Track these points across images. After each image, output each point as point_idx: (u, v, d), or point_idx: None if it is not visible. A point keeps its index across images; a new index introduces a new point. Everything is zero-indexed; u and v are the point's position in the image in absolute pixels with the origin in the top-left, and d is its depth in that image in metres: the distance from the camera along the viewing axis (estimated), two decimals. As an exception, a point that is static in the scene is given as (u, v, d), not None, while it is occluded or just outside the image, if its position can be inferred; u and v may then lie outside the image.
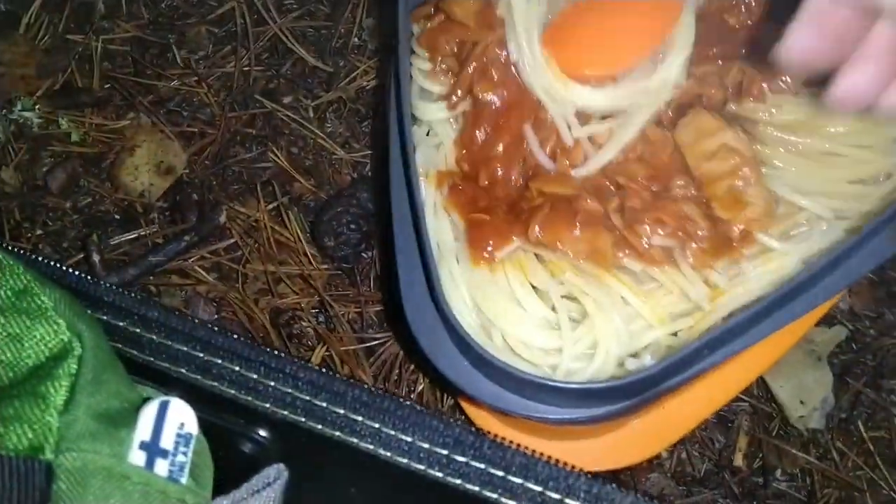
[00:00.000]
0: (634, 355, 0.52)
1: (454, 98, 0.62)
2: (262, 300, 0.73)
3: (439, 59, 0.66)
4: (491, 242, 0.57)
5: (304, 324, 0.72)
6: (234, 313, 0.73)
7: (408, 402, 0.41)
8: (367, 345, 0.72)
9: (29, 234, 0.76)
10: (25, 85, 0.83)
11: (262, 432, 0.44)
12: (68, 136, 0.81)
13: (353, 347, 0.71)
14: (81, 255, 0.74)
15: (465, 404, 0.66)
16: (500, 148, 0.62)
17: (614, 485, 0.39)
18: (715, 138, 0.55)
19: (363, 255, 0.75)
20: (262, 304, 0.73)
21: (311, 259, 0.75)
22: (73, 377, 0.34)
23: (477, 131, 0.63)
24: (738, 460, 0.65)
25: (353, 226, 0.73)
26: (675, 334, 0.52)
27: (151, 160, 0.79)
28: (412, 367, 0.71)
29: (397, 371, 0.71)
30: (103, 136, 0.81)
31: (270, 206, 0.77)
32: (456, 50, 0.65)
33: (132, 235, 0.76)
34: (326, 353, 0.71)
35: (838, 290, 0.56)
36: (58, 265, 0.45)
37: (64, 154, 0.80)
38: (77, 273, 0.44)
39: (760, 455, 0.66)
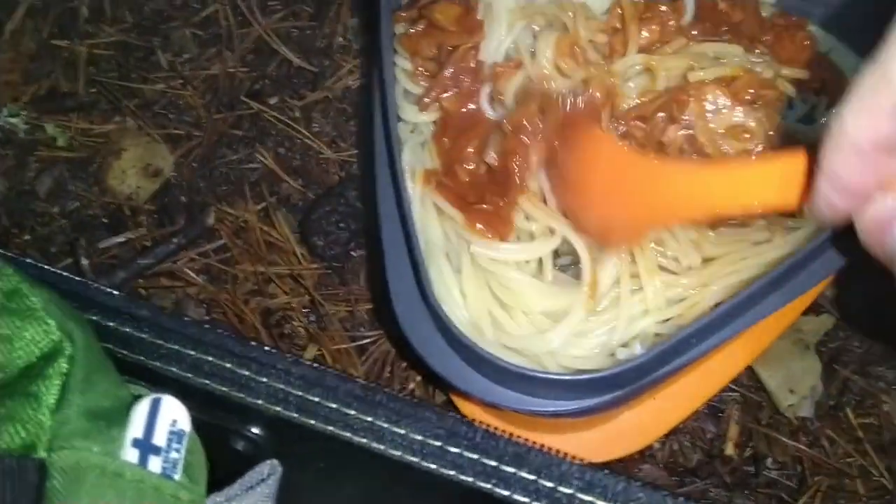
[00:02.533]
0: (624, 345, 0.52)
1: (425, 100, 0.62)
2: (253, 301, 0.74)
3: (420, 61, 0.66)
4: (492, 226, 0.58)
5: (295, 323, 0.72)
6: (224, 314, 0.73)
7: (400, 395, 0.41)
8: (359, 343, 0.72)
9: (17, 240, 0.75)
10: (11, 91, 0.82)
11: (255, 429, 0.44)
12: (55, 141, 0.81)
13: (344, 346, 0.71)
14: (70, 260, 0.74)
15: (456, 400, 0.66)
16: (471, 149, 0.62)
17: (606, 471, 0.39)
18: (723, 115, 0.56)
19: (352, 253, 0.75)
20: (253, 305, 0.73)
21: (300, 259, 0.75)
22: (64, 376, 0.35)
23: (444, 138, 0.63)
24: (730, 450, 0.66)
25: (341, 224, 0.73)
26: (665, 321, 0.53)
27: (138, 163, 0.79)
28: (404, 364, 0.71)
29: (389, 369, 0.71)
30: (90, 141, 0.81)
31: (259, 207, 0.77)
32: (436, 53, 0.66)
33: (121, 239, 0.76)
34: (318, 353, 0.71)
35: (825, 277, 0.57)
36: (47, 267, 0.45)
37: (51, 159, 0.80)
38: (66, 275, 0.44)
39: (751, 444, 0.66)
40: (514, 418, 0.60)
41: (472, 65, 0.63)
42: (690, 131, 0.58)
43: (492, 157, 0.59)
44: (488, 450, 0.40)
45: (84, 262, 0.72)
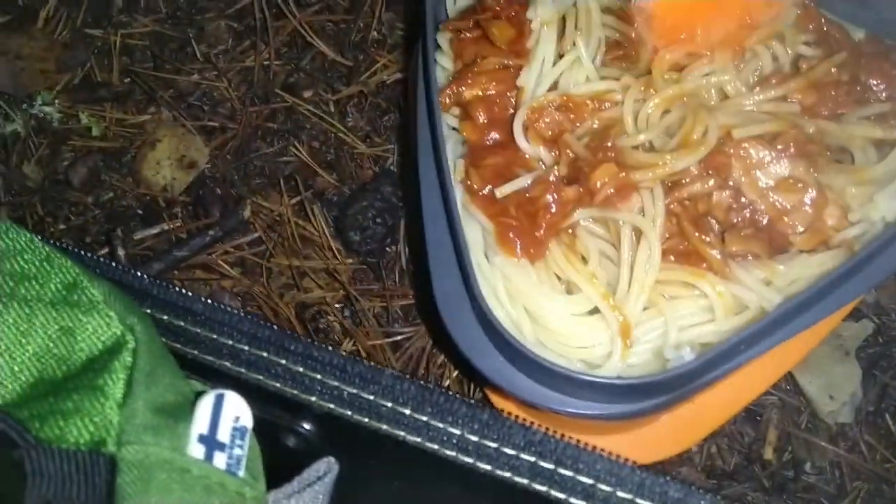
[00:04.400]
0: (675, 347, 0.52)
1: (447, 92, 0.62)
2: (287, 295, 0.73)
3: (460, 64, 0.66)
4: (521, 243, 0.58)
5: (330, 318, 0.72)
6: (259, 308, 0.73)
7: (456, 396, 0.41)
8: (394, 339, 0.72)
9: (52, 229, 0.75)
10: (45, 79, 0.82)
11: (307, 425, 0.44)
12: (89, 131, 0.80)
13: (379, 342, 0.71)
14: (106, 250, 0.73)
15: (493, 398, 0.66)
16: (493, 161, 0.62)
17: (665, 477, 0.39)
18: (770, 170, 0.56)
19: (388, 249, 0.75)
20: (288, 299, 0.73)
21: (335, 253, 0.75)
22: (129, 370, 0.34)
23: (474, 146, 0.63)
24: (768, 454, 0.65)
25: (378, 220, 0.73)
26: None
27: (173, 155, 0.78)
28: (439, 361, 0.71)
29: (424, 365, 0.71)
30: (124, 131, 0.80)
31: (294, 201, 0.77)
32: (474, 60, 0.66)
33: (155, 230, 0.76)
34: (353, 348, 0.70)
35: (873, 285, 0.56)
36: (100, 259, 0.45)
37: (84, 149, 0.80)
38: (119, 266, 0.44)
39: (790, 448, 0.66)
40: (551, 418, 0.60)
41: (509, 92, 0.63)
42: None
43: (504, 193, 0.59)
44: (546, 453, 0.40)
45: (120, 252, 0.72)
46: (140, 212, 0.77)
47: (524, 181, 0.58)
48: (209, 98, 0.82)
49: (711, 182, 0.57)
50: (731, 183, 0.57)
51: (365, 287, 0.74)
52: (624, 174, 0.58)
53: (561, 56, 0.63)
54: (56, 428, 0.32)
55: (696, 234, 0.56)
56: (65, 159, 0.79)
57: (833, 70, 0.59)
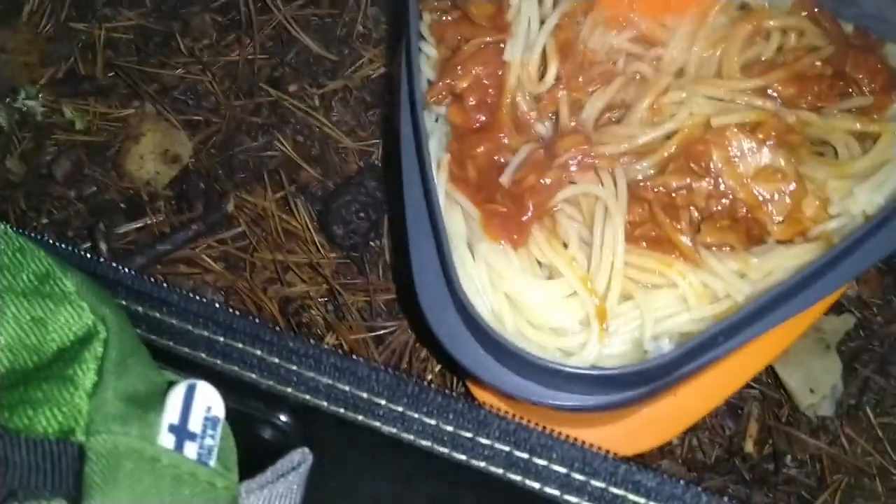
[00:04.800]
0: (653, 338, 0.52)
1: (438, 86, 0.62)
2: (271, 289, 0.73)
3: (443, 50, 0.66)
4: (506, 229, 0.58)
5: (313, 312, 0.72)
6: (242, 302, 0.72)
7: (431, 386, 0.41)
8: (377, 333, 0.72)
9: (34, 223, 0.75)
10: (29, 73, 0.82)
11: (283, 417, 0.44)
12: (72, 125, 0.80)
13: (362, 336, 0.71)
14: (88, 244, 0.73)
15: (474, 389, 0.66)
16: (481, 148, 0.62)
17: (639, 466, 0.39)
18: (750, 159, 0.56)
19: (371, 243, 0.75)
20: (271, 293, 0.73)
21: (319, 248, 0.74)
22: (99, 360, 0.34)
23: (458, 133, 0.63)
24: (749, 447, 0.65)
25: (361, 214, 0.73)
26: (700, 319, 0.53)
27: (157, 149, 0.78)
28: (422, 355, 0.71)
29: (407, 359, 0.71)
30: (108, 125, 0.80)
31: (278, 195, 0.77)
32: (459, 42, 0.66)
33: (139, 224, 0.76)
34: (336, 342, 0.70)
35: (851, 278, 0.56)
36: (75, 250, 0.45)
37: (68, 143, 0.80)
38: (95, 258, 0.44)
39: (770, 441, 0.66)
40: (532, 409, 0.60)
41: (499, 70, 0.63)
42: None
43: (509, 179, 0.59)
44: (520, 442, 0.40)
45: (102, 246, 0.72)
46: (123, 206, 0.77)
47: (520, 157, 0.58)
48: (193, 92, 0.82)
49: (688, 180, 0.57)
50: (710, 171, 0.58)
51: (348, 281, 0.74)
52: (587, 146, 0.58)
53: (542, 22, 0.64)
54: (25, 417, 0.32)
55: (668, 220, 0.56)
56: (48, 153, 0.79)
57: (818, 63, 0.59)
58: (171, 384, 0.36)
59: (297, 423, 0.44)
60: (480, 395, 0.65)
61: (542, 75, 0.63)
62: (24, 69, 0.82)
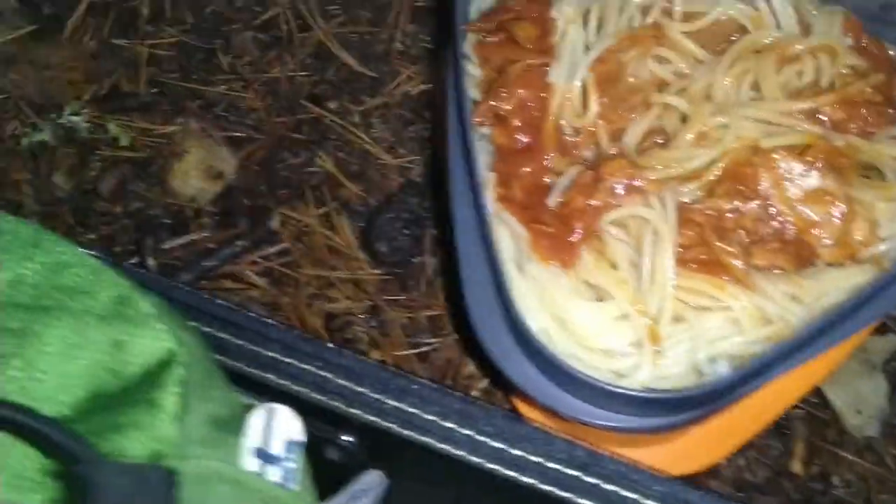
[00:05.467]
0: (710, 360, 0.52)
1: (481, 108, 0.63)
2: (315, 305, 0.74)
3: (487, 70, 0.67)
4: (555, 249, 0.58)
5: (357, 328, 0.73)
6: (287, 318, 0.73)
7: (500, 410, 0.41)
8: (421, 350, 0.72)
9: (82, 238, 0.76)
10: (73, 90, 0.83)
11: (348, 438, 0.44)
12: (117, 141, 0.81)
13: (406, 352, 0.72)
14: (136, 259, 0.74)
15: (523, 410, 0.66)
16: (528, 168, 0.63)
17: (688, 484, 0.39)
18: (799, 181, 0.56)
19: (414, 260, 0.75)
20: (315, 309, 0.73)
21: (362, 264, 0.75)
22: (182, 384, 0.35)
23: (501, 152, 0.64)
24: (796, 467, 0.65)
25: (406, 231, 0.74)
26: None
27: (201, 165, 0.79)
28: (466, 372, 0.71)
29: (451, 376, 0.71)
30: (152, 141, 0.81)
31: (320, 211, 0.77)
32: (502, 66, 0.66)
33: (183, 240, 0.76)
34: (380, 358, 0.71)
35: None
36: (140, 269, 0.45)
37: (113, 159, 0.80)
38: (164, 279, 0.45)
39: (817, 462, 0.66)
40: (579, 428, 0.60)
41: (542, 93, 0.64)
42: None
43: (556, 200, 0.60)
44: (588, 467, 0.40)
45: (150, 261, 0.72)
46: (167, 221, 0.78)
47: (567, 179, 0.59)
48: (236, 109, 0.83)
49: (737, 203, 0.58)
50: (758, 194, 0.58)
51: (391, 297, 0.74)
52: (634, 170, 0.58)
53: (588, 48, 0.64)
54: (115, 442, 0.32)
55: (719, 243, 0.56)
56: (93, 169, 0.80)
57: (868, 89, 0.59)
58: (251, 408, 0.37)
59: (364, 443, 0.44)
60: (528, 413, 0.65)
61: (583, 105, 0.63)
62: (69, 86, 0.83)
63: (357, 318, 0.73)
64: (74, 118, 0.82)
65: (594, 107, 0.63)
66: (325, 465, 0.44)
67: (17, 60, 0.83)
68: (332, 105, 0.83)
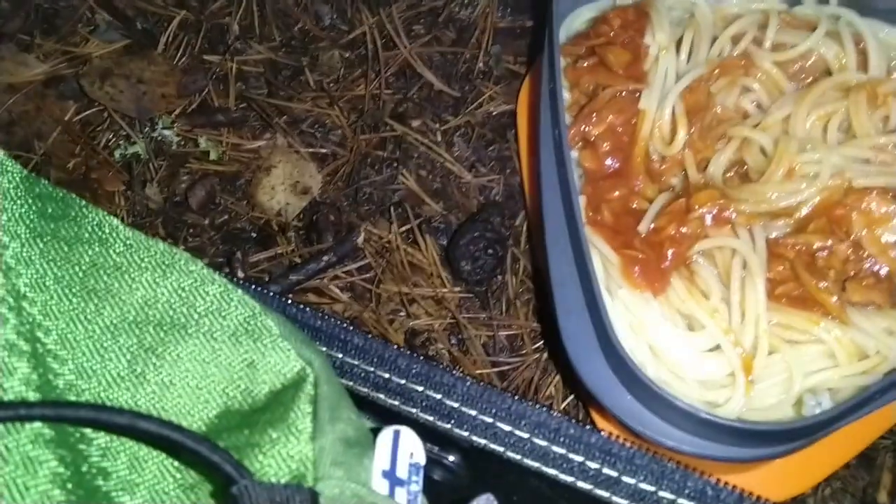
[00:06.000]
0: (810, 393, 0.52)
1: (570, 133, 0.64)
2: (397, 321, 0.75)
3: (577, 94, 0.68)
4: (646, 276, 0.58)
5: (438, 345, 0.74)
6: (369, 333, 0.74)
7: (615, 439, 0.42)
8: (500, 368, 0.73)
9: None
10: (165, 104, 0.85)
11: (452, 457, 0.45)
12: (206, 155, 0.83)
13: (486, 371, 0.72)
14: (226, 271, 0.76)
15: (600, 424, 0.66)
16: (616, 194, 0.64)
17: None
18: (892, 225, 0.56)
19: (495, 278, 0.76)
20: (397, 325, 0.75)
21: (444, 281, 0.76)
22: (313, 404, 0.36)
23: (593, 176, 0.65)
24: (883, 497, 0.65)
25: (489, 251, 0.74)
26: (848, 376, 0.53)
27: (287, 180, 0.81)
28: (546, 392, 0.72)
29: (532, 395, 0.71)
30: (240, 156, 0.83)
31: (403, 229, 0.79)
32: (593, 90, 0.67)
33: (269, 253, 0.78)
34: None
35: None
36: (263, 290, 0.47)
37: (201, 172, 0.83)
38: (284, 299, 0.46)
39: (904, 495, 0.65)
40: (668, 453, 0.60)
41: (632, 119, 0.65)
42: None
43: (648, 227, 0.60)
44: (683, 490, 0.41)
45: (240, 274, 0.74)
46: (254, 235, 0.79)
47: (658, 206, 0.59)
48: (321, 125, 0.85)
49: (830, 241, 0.57)
50: (850, 236, 0.58)
51: (472, 315, 0.75)
52: (724, 201, 0.59)
53: (679, 76, 0.65)
54: (256, 461, 0.33)
55: (813, 281, 0.56)
56: (183, 182, 0.82)
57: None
58: (377, 430, 0.38)
59: (468, 464, 0.45)
60: (605, 428, 0.66)
61: (672, 134, 0.64)
62: (161, 100, 0.85)
63: (438, 334, 0.74)
64: (166, 132, 0.84)
65: (682, 135, 0.63)
66: (432, 485, 0.45)
67: (111, 74, 0.86)
68: (415, 123, 0.84)
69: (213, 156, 0.83)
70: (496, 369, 0.73)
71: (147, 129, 0.84)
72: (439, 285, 0.76)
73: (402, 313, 0.76)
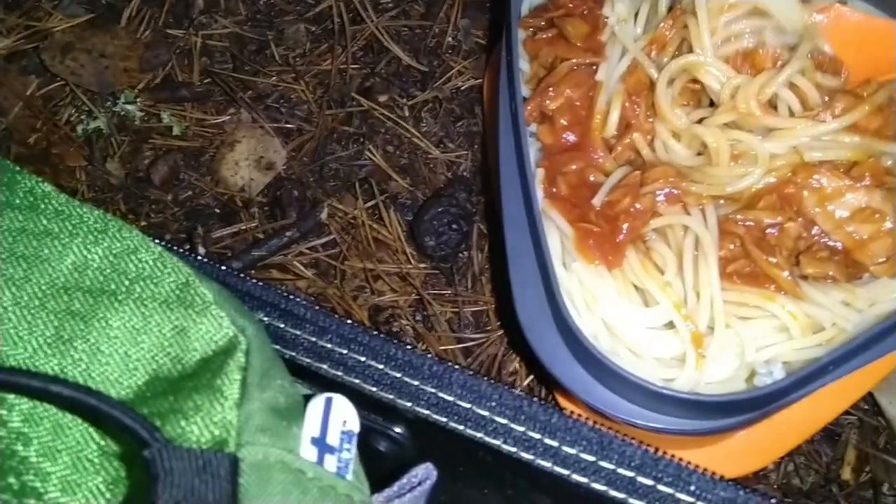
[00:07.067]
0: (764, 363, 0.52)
1: (528, 107, 0.63)
2: (361, 297, 0.74)
3: (536, 66, 0.67)
4: (601, 249, 0.58)
5: (403, 322, 0.73)
6: (333, 309, 0.73)
7: (554, 408, 0.41)
8: (465, 345, 0.72)
9: (133, 225, 0.76)
10: (128, 78, 0.84)
11: (399, 429, 0.44)
12: (169, 130, 0.82)
13: (450, 347, 0.72)
14: (186, 247, 0.75)
15: (566, 406, 0.66)
16: (573, 167, 0.63)
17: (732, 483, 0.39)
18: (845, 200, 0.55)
19: (461, 255, 0.75)
20: (361, 301, 0.74)
21: (409, 257, 0.75)
22: (243, 371, 0.35)
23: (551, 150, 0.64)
24: (846, 474, 0.64)
25: (454, 226, 0.74)
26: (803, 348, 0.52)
27: (251, 155, 0.80)
28: (511, 368, 0.71)
29: (496, 371, 0.71)
30: (204, 131, 0.82)
31: (368, 205, 0.78)
32: (552, 62, 0.66)
33: (233, 229, 0.77)
34: (425, 352, 0.71)
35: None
36: (205, 259, 0.46)
37: (164, 147, 0.82)
38: (221, 266, 0.45)
39: (868, 469, 0.65)
40: (625, 429, 0.60)
41: (590, 92, 0.63)
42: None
43: (602, 200, 0.59)
44: (644, 468, 0.40)
45: (200, 250, 0.73)
46: (217, 211, 0.78)
47: (614, 179, 0.59)
48: (287, 100, 0.84)
49: (780, 218, 0.57)
50: (803, 213, 0.57)
51: (437, 292, 0.74)
52: (676, 179, 0.58)
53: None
54: (178, 427, 0.32)
55: (763, 256, 0.55)
56: (146, 157, 0.81)
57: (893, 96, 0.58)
58: (309, 397, 0.37)
59: (413, 435, 0.44)
60: (568, 406, 0.65)
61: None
62: (124, 74, 0.84)
63: (403, 311, 0.73)
64: (129, 106, 0.83)
65: (615, 118, 0.62)
66: (377, 456, 0.45)
67: (73, 48, 0.85)
68: (382, 98, 0.83)
69: (176, 131, 0.82)
70: (461, 345, 0.72)
71: (109, 103, 0.83)
72: (404, 262, 0.75)
73: (367, 290, 0.75)
